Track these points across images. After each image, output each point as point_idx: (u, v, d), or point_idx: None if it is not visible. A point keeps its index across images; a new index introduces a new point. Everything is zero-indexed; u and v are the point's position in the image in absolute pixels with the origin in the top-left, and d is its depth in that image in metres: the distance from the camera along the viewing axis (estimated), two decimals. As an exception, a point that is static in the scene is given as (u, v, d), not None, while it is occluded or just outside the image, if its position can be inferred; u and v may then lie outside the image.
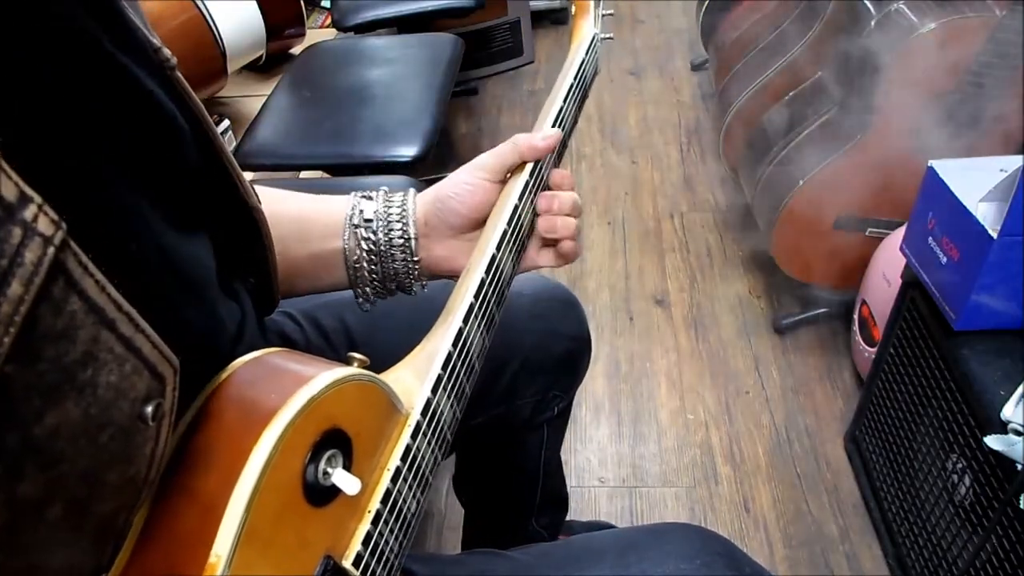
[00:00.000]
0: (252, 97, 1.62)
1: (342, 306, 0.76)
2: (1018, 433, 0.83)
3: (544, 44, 2.76)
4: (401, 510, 0.45)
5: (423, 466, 0.47)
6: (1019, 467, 0.82)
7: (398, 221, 0.60)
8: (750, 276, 1.76)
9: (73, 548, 0.31)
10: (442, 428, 0.49)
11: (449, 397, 0.49)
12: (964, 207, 0.90)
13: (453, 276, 0.61)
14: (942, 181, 0.95)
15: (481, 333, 0.53)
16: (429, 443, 0.47)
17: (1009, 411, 0.85)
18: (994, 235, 0.85)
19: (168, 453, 0.36)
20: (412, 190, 0.62)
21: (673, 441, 1.42)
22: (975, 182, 0.92)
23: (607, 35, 0.78)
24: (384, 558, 0.44)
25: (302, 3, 1.67)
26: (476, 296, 0.52)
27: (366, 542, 0.42)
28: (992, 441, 0.84)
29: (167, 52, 0.40)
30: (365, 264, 0.60)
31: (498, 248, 0.55)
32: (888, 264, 1.26)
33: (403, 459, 0.44)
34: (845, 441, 1.37)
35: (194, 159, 0.43)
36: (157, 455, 0.34)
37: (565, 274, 1.79)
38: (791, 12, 1.69)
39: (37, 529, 0.29)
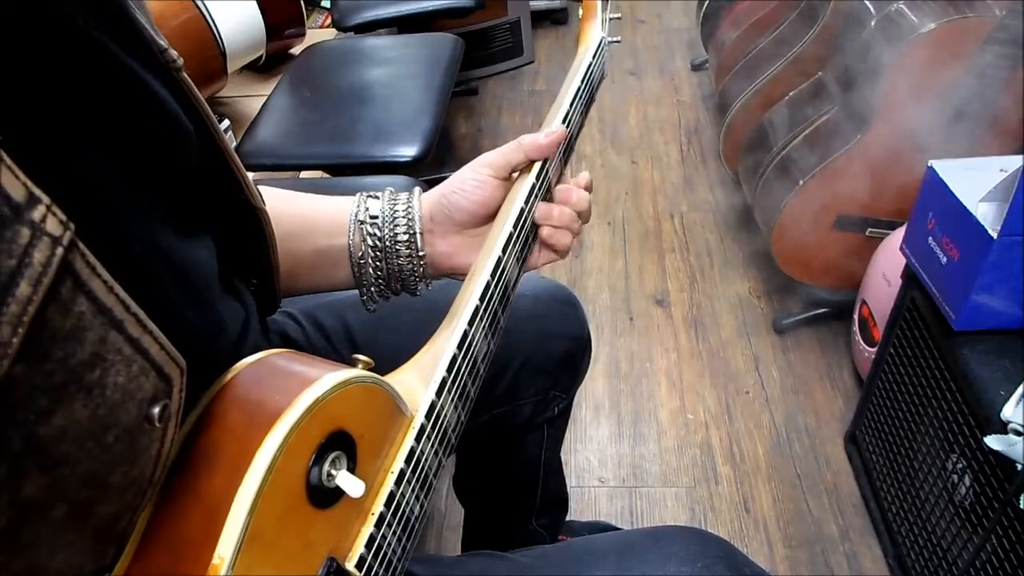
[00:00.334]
0: (252, 97, 1.62)
1: (343, 307, 0.76)
2: (1018, 433, 0.83)
3: (544, 44, 2.76)
4: (404, 513, 0.45)
5: (427, 469, 0.47)
6: (1019, 467, 0.82)
7: (403, 217, 0.60)
8: (750, 276, 1.76)
9: (75, 549, 0.31)
10: (446, 431, 0.49)
11: (453, 400, 0.49)
12: (964, 207, 0.90)
13: (456, 273, 0.61)
14: (942, 181, 0.95)
15: (486, 336, 0.53)
16: (433, 446, 0.47)
17: (1009, 411, 0.85)
18: (994, 235, 0.85)
19: (173, 454, 0.36)
20: (417, 189, 0.62)
21: (673, 441, 1.42)
22: (975, 182, 0.92)
23: (614, 38, 0.77)
24: (387, 560, 0.44)
25: (302, 3, 1.67)
26: (481, 299, 0.52)
27: (369, 544, 0.42)
28: (992, 441, 0.84)
29: (173, 53, 0.40)
30: (370, 261, 0.60)
31: (503, 251, 0.55)
32: (888, 264, 1.26)
33: (407, 462, 0.45)
34: (845, 441, 1.37)
35: (198, 160, 0.43)
36: (162, 456, 0.34)
37: (565, 274, 1.79)
38: (791, 12, 1.69)
39: (40, 530, 0.28)
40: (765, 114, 1.62)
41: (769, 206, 1.50)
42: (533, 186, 0.58)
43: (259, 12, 1.51)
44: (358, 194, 0.62)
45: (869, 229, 1.41)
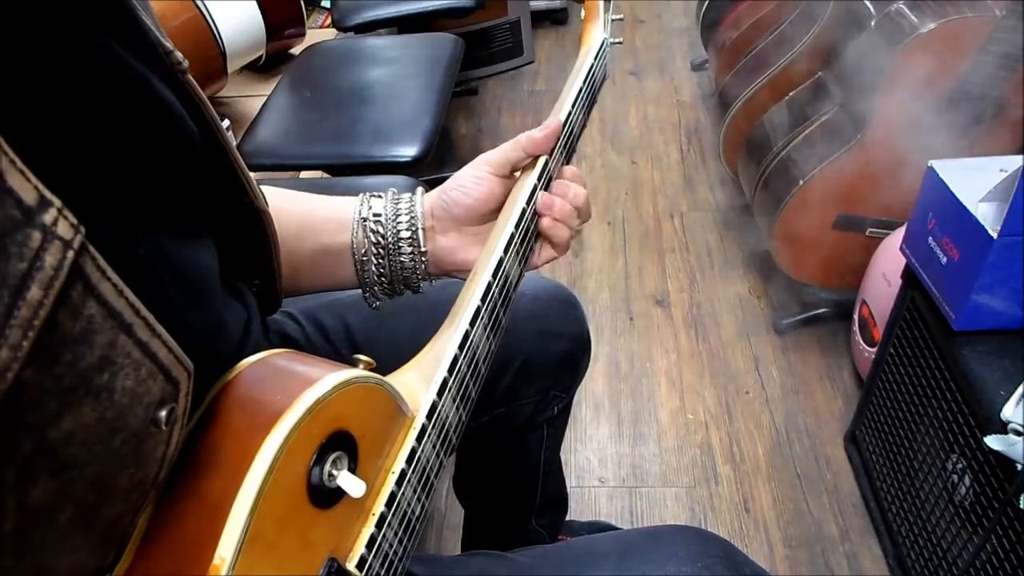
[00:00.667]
0: (252, 97, 1.62)
1: (344, 307, 0.76)
2: (1018, 433, 0.83)
3: (544, 44, 2.76)
4: (405, 513, 0.45)
5: (428, 469, 0.47)
6: (1019, 467, 0.82)
7: (406, 215, 0.61)
8: (750, 276, 1.76)
9: (80, 551, 0.31)
10: (447, 431, 0.49)
11: (454, 400, 0.49)
12: (964, 207, 0.90)
13: (458, 270, 0.62)
14: (942, 181, 0.95)
15: (487, 337, 0.53)
16: (434, 446, 0.47)
17: (1009, 411, 0.85)
18: (994, 235, 0.85)
19: (176, 455, 0.36)
20: (420, 189, 0.63)
21: (673, 441, 1.42)
22: (975, 182, 0.92)
23: (616, 40, 0.77)
24: (388, 561, 0.44)
25: (302, 3, 1.67)
26: (483, 299, 0.52)
27: (370, 545, 0.42)
28: (992, 441, 0.84)
29: (179, 55, 0.40)
30: (372, 259, 0.61)
31: (505, 251, 0.55)
32: (888, 264, 1.26)
33: (408, 462, 0.45)
34: (845, 441, 1.37)
35: (203, 163, 0.43)
36: (167, 458, 0.34)
37: (565, 274, 1.79)
38: (791, 12, 1.69)
39: (47, 533, 0.28)
40: (765, 114, 1.62)
41: (769, 206, 1.50)
42: (535, 187, 0.58)
43: (259, 12, 1.51)
44: (361, 194, 0.62)
45: (869, 229, 1.41)
